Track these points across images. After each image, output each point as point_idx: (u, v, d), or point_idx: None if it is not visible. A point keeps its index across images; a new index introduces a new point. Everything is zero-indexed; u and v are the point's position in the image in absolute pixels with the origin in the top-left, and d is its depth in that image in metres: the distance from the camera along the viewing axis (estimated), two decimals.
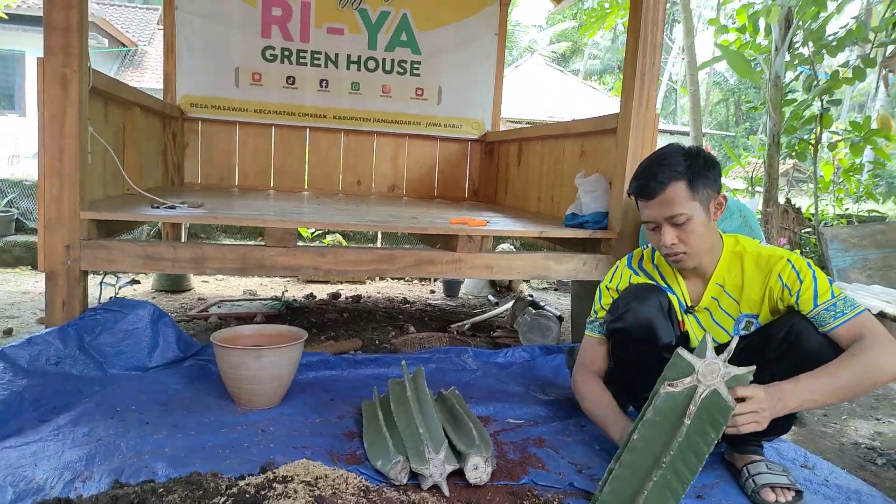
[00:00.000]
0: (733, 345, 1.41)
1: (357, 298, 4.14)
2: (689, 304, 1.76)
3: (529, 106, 18.00)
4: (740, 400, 1.37)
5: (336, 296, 4.17)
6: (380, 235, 5.47)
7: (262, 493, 1.34)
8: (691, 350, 1.64)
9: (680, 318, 1.77)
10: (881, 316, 3.47)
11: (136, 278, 3.49)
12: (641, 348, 1.71)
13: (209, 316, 3.32)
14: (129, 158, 3.06)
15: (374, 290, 4.59)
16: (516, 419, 2.03)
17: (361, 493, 1.42)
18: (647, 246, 1.89)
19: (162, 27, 4.13)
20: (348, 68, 4.32)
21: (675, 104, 29.56)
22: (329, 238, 5.20)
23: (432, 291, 4.72)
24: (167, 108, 3.83)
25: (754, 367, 1.39)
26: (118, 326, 2.21)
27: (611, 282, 1.87)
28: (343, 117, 4.38)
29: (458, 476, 1.56)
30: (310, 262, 2.33)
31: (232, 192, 3.89)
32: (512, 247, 5.10)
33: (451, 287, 4.56)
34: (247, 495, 1.32)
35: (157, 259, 2.21)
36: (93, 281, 3.31)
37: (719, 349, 1.75)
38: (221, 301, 3.74)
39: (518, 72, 20.66)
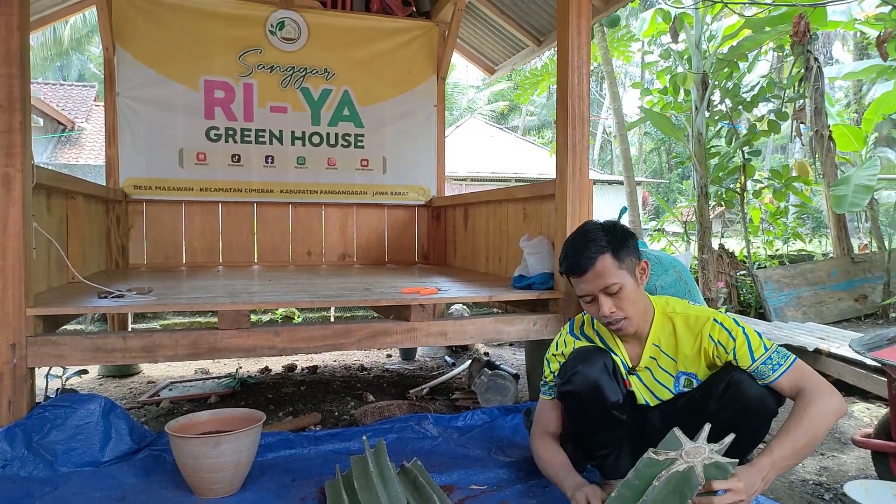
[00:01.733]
0: (728, 440, 1.46)
1: (314, 369, 4.10)
2: (631, 365, 1.86)
3: (472, 163, 18.48)
4: (714, 493, 1.40)
5: (292, 368, 4.13)
6: (333, 308, 5.46)
7: None
8: (635, 407, 1.71)
9: (625, 378, 1.87)
10: (817, 353, 3.67)
11: (86, 368, 3.39)
12: (592, 408, 1.78)
13: (161, 400, 3.24)
14: (72, 246, 3.03)
15: (331, 358, 4.56)
16: (479, 485, 2.05)
17: None
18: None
19: (99, 104, 4.16)
20: (293, 144, 4.43)
21: (611, 154, 30.85)
22: (281, 310, 5.17)
23: (389, 356, 4.72)
24: (110, 192, 3.83)
25: (737, 461, 1.45)
26: (68, 422, 2.15)
27: (556, 349, 1.96)
28: (290, 191, 4.45)
29: None
30: (264, 342, 2.34)
31: (180, 272, 3.86)
32: (465, 307, 5.18)
33: (408, 351, 4.57)
34: None
35: (107, 351, 2.18)
36: (39, 372, 3.21)
37: (665, 406, 1.85)
38: (172, 383, 3.65)
39: (459, 131, 21.26)
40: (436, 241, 4.81)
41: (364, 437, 1.92)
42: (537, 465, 1.90)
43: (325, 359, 4.52)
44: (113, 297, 2.39)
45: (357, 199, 4.64)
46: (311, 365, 4.21)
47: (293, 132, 4.42)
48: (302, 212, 4.54)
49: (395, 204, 4.75)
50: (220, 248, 4.36)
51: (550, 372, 1.94)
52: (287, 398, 3.34)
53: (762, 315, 5.50)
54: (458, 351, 4.73)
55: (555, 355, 1.95)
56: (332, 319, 5.32)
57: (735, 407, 1.65)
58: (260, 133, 4.35)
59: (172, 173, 4.17)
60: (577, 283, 1.78)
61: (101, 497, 1.91)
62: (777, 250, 7.35)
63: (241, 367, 3.99)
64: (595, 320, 1.94)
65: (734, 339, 1.69)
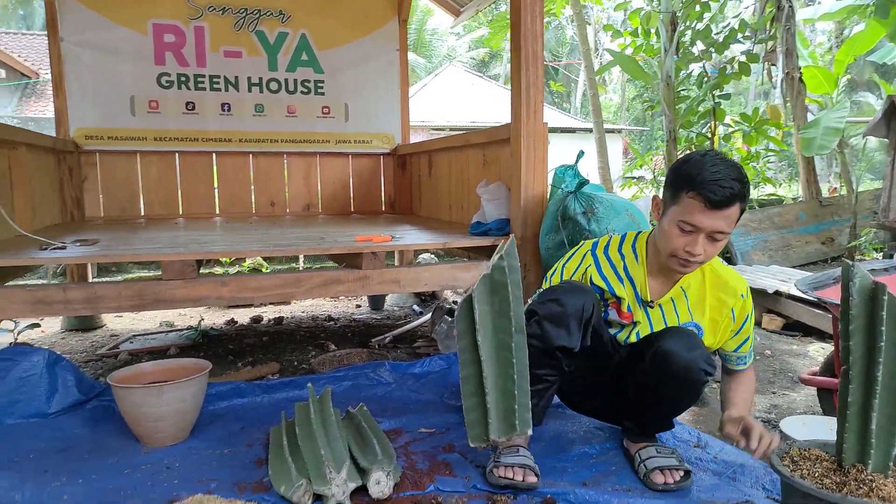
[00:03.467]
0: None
1: (279, 320, 4.09)
2: (648, 298, 1.77)
3: (452, 112, 18.17)
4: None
5: (258, 319, 4.11)
6: (302, 257, 5.42)
7: None
8: (618, 344, 1.77)
9: (631, 310, 1.79)
10: (776, 294, 3.72)
11: (37, 322, 3.35)
12: (543, 337, 1.67)
13: (119, 353, 3.21)
14: (18, 199, 2.94)
15: (299, 309, 4.55)
16: (428, 428, 2.07)
17: None
18: (615, 233, 1.92)
19: None
20: (250, 91, 4.29)
21: None
22: (249, 261, 5.13)
23: (358, 306, 4.72)
24: (59, 143, 3.70)
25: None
26: (11, 375, 2.12)
27: (568, 262, 1.86)
28: (249, 140, 4.34)
29: (363, 492, 1.58)
30: (211, 293, 2.30)
31: (137, 224, 3.78)
32: (433, 255, 5.17)
33: (376, 300, 4.57)
34: None
35: (47, 303, 2.14)
36: None
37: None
38: (134, 336, 3.62)
39: (437, 80, 20.83)
40: (402, 190, 4.75)
41: (309, 384, 1.92)
42: None
43: (294, 310, 4.51)
44: (53, 249, 2.33)
45: (320, 148, 4.54)
46: (278, 316, 4.20)
47: (249, 78, 4.27)
48: (263, 161, 4.44)
49: (360, 152, 4.66)
50: (180, 200, 4.27)
51: (549, 280, 1.86)
52: (248, 349, 3.33)
53: (728, 259, 5.55)
54: (428, 300, 4.74)
55: (565, 267, 1.85)
56: (301, 269, 5.29)
57: (657, 375, 1.67)
58: (214, 79, 4.20)
59: (125, 122, 4.03)
60: (694, 211, 1.55)
61: (45, 447, 1.91)
62: None
63: (203, 319, 3.97)
64: (624, 244, 1.82)
65: (742, 329, 1.79)
